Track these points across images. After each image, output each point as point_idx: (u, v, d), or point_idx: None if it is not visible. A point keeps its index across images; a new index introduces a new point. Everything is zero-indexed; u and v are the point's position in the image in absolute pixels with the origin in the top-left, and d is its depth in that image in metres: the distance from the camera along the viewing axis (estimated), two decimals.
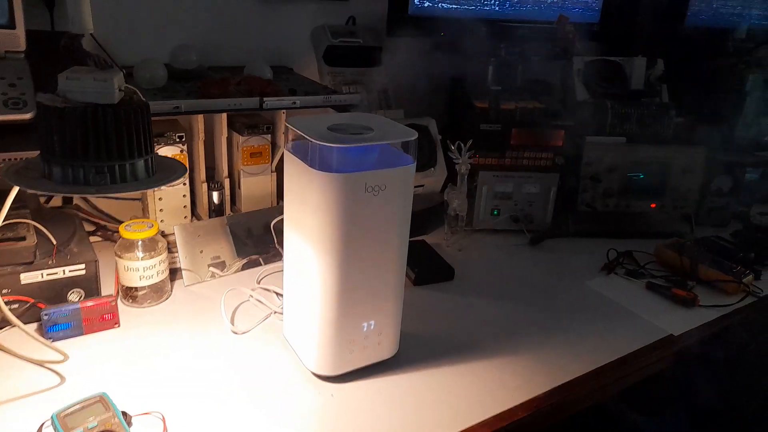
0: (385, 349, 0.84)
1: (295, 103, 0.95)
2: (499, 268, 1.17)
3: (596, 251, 1.22)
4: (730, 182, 1.37)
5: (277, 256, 1.11)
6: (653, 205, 1.31)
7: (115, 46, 1.09)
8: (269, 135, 1.11)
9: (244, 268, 1.08)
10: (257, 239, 1.10)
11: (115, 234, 1.13)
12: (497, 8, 1.41)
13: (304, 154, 0.74)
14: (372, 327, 0.80)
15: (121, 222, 1.11)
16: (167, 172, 0.64)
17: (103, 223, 1.13)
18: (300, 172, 0.74)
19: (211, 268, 1.05)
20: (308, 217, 0.74)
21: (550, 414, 0.80)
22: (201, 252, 1.04)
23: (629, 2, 1.64)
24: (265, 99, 0.92)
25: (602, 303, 1.06)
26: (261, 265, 1.10)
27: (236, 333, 0.90)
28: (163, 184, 0.60)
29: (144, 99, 0.61)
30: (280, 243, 1.12)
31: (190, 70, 1.06)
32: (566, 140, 1.24)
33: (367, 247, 0.75)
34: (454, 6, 1.34)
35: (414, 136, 0.74)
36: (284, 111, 1.05)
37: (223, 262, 1.06)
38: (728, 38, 1.60)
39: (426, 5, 1.31)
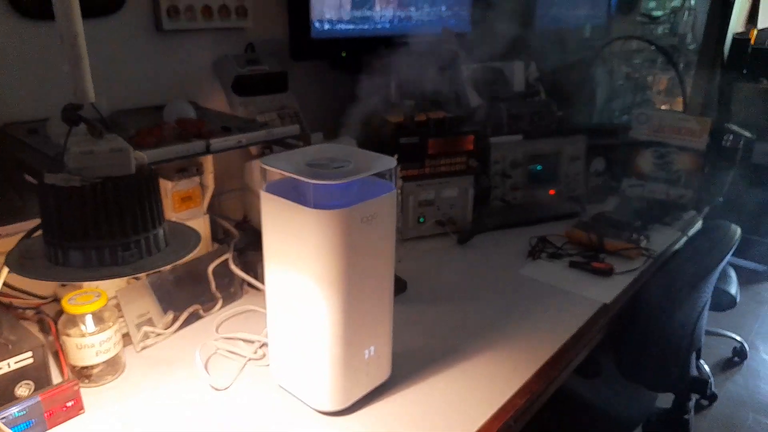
0: (383, 372, 0.85)
1: (240, 141, 0.91)
2: (440, 271, 1.23)
3: (517, 240, 1.34)
4: (603, 163, 1.59)
5: (216, 302, 1.05)
6: (552, 192, 1.47)
7: (22, 100, 0.95)
8: (198, 177, 1.05)
9: (187, 322, 1.01)
10: (195, 288, 1.03)
11: (27, 311, 0.99)
12: (388, 25, 1.47)
13: (292, 193, 0.73)
14: (372, 352, 0.81)
15: (40, 297, 0.98)
16: (178, 235, 0.59)
17: (10, 301, 0.98)
18: (288, 212, 0.73)
19: (144, 328, 0.96)
20: (304, 255, 0.73)
21: (542, 395, 0.88)
22: (148, 312, 0.96)
23: (490, 11, 1.81)
24: (210, 142, 0.88)
25: (539, 287, 1.17)
26: (202, 316, 1.04)
27: (218, 389, 0.85)
28: (190, 251, 0.55)
29: (149, 164, 0.56)
30: (222, 288, 1.07)
31: (105, 118, 0.97)
32: (476, 143, 1.34)
33: (365, 275, 0.76)
34: (351, 26, 1.38)
35: (393, 163, 0.77)
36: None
37: (150, 319, 0.98)
38: (575, 38, 1.84)
39: (326, 28, 1.33)
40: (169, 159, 0.83)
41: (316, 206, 0.70)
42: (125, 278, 1.00)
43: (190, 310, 1.02)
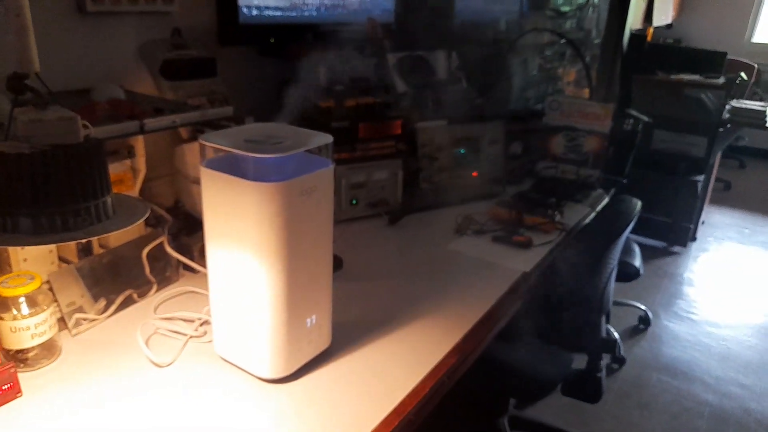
0: (324, 340, 0.90)
1: (174, 122, 0.92)
2: (373, 250, 1.29)
3: (444, 219, 1.42)
4: (520, 147, 1.70)
5: (150, 286, 1.05)
6: (474, 174, 1.56)
7: None
8: (129, 160, 1.05)
9: (123, 306, 1.01)
10: (128, 273, 1.03)
11: None
12: (314, 13, 1.50)
13: (233, 168, 0.75)
14: (314, 321, 0.85)
15: None
16: (124, 205, 0.60)
17: None
18: (228, 186, 0.75)
19: (76, 315, 0.95)
20: (246, 229, 0.76)
21: (469, 356, 0.96)
22: (82, 296, 0.95)
23: (412, 2, 1.88)
24: (144, 121, 0.88)
25: (466, 259, 1.25)
26: (135, 301, 1.04)
27: (161, 366, 0.86)
28: (139, 219, 0.57)
29: (95, 136, 0.57)
30: (155, 272, 1.07)
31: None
32: (404, 128, 1.41)
33: (305, 247, 0.80)
34: (279, 13, 1.40)
35: (330, 139, 0.81)
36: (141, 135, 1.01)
37: (81, 307, 0.97)
38: (492, 31, 1.95)
39: (254, 13, 1.34)
40: (107, 138, 0.83)
41: (258, 180, 0.73)
42: (56, 263, 0.98)
43: (125, 294, 1.01)
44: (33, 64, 0.54)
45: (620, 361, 2.23)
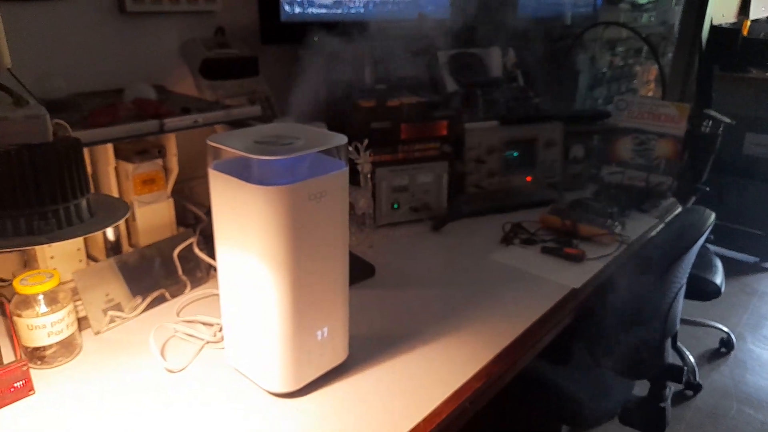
0: (338, 354, 0.84)
1: (196, 121, 0.90)
2: (411, 257, 1.22)
3: (491, 227, 1.33)
4: (583, 150, 1.57)
5: (184, 287, 1.04)
6: (528, 179, 1.45)
7: None
8: (161, 159, 1.04)
9: (151, 305, 1.00)
10: (159, 272, 1.03)
11: None
12: (362, 10, 1.45)
13: (238, 170, 0.71)
14: (325, 334, 0.80)
15: (1, 280, 0.97)
16: (106, 207, 0.58)
17: None
18: (234, 189, 0.72)
19: (110, 312, 0.95)
20: (252, 234, 0.72)
21: (499, 379, 0.87)
22: (107, 295, 0.95)
23: None
24: (164, 121, 0.87)
25: (510, 271, 1.16)
26: (168, 299, 1.03)
27: (173, 372, 0.84)
28: (115, 222, 0.54)
29: (73, 134, 0.55)
30: (187, 272, 1.06)
31: (60, 99, 0.96)
32: (450, 129, 1.33)
33: (315, 254, 0.75)
34: (323, 11, 1.36)
35: (345, 140, 0.75)
36: (175, 132, 1.00)
37: (119, 304, 0.97)
38: (557, 25, 1.82)
39: (297, 11, 1.31)
40: (120, 138, 0.82)
41: (264, 184, 0.69)
42: (84, 261, 0.99)
43: (156, 293, 1.01)
44: (3, 59, 0.52)
45: (695, 387, 2.03)
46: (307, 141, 0.74)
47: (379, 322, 0.98)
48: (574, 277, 1.13)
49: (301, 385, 0.79)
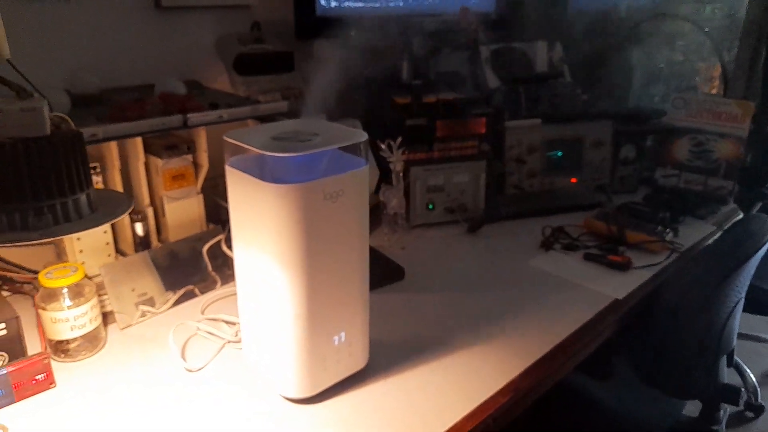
0: (357, 360, 0.81)
1: (221, 117, 0.89)
2: (444, 260, 1.17)
3: (531, 230, 1.26)
4: (634, 150, 1.48)
5: (214, 283, 1.04)
6: (573, 180, 1.37)
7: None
8: (190, 155, 1.04)
9: (179, 301, 1.00)
10: (190, 268, 1.02)
11: (25, 285, 1.01)
12: (401, 3, 1.41)
13: (252, 168, 0.69)
14: (343, 339, 0.77)
15: (32, 271, 0.99)
16: (109, 204, 0.57)
17: (9, 275, 1.00)
18: (249, 187, 0.69)
19: (141, 307, 0.96)
20: (265, 233, 0.69)
21: (528, 394, 0.82)
22: (133, 290, 0.95)
23: None
24: (188, 116, 0.85)
25: (548, 279, 1.09)
26: (197, 295, 1.03)
27: (191, 371, 0.83)
28: (114, 218, 0.53)
29: (75, 128, 0.53)
30: (215, 269, 1.05)
31: (92, 94, 0.96)
32: (488, 127, 1.27)
33: (331, 256, 0.71)
34: (360, 4, 1.33)
35: (364, 137, 0.72)
36: (205, 127, 0.99)
37: (152, 298, 0.97)
38: (610, 18, 1.72)
39: (333, 5, 1.28)
40: (144, 132, 0.81)
41: (280, 182, 0.66)
42: (113, 255, 1.00)
43: (184, 289, 1.01)
44: (1, 50, 0.51)
45: (757, 409, 1.88)
46: (326, 138, 0.71)
47: (404, 328, 0.94)
48: (617, 286, 1.05)
49: (317, 391, 0.76)
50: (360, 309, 0.78)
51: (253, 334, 0.80)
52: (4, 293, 0.99)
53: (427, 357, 0.86)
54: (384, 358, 0.86)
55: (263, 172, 0.69)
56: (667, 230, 1.20)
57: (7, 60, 0.52)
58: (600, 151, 1.38)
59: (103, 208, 0.56)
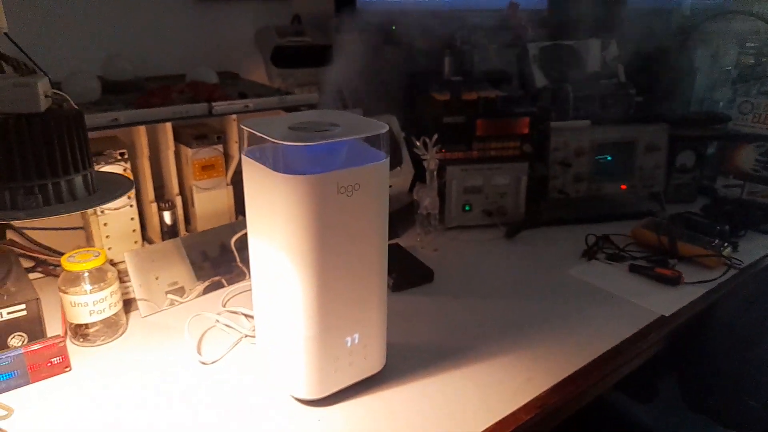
0: (371, 364, 0.77)
1: (247, 106, 0.87)
2: (478, 265, 1.12)
3: (573, 238, 1.18)
4: (693, 157, 1.37)
5: (241, 275, 1.02)
6: (623, 187, 1.29)
7: (39, 59, 0.98)
8: (221, 145, 1.03)
9: (205, 292, 0.99)
10: (217, 259, 1.02)
11: (58, 268, 1.02)
12: None
13: (268, 158, 0.66)
14: (356, 340, 0.73)
15: (64, 254, 1.01)
16: (110, 188, 0.55)
17: (43, 257, 1.02)
18: (262, 177, 0.67)
19: (170, 296, 0.95)
20: (277, 226, 0.66)
21: (555, 412, 0.75)
22: (157, 278, 0.95)
23: None
24: (213, 104, 0.84)
25: (588, 290, 1.02)
26: (224, 286, 1.02)
27: (205, 363, 0.81)
28: (107, 201, 0.51)
29: (77, 107, 0.52)
30: (243, 261, 1.03)
31: (125, 81, 0.97)
32: (532, 127, 1.20)
33: (345, 253, 0.68)
34: None
35: (385, 128, 0.68)
36: (235, 117, 0.97)
37: (182, 287, 0.97)
38: (673, 16, 1.61)
39: None
40: (166, 118, 0.80)
41: (294, 173, 0.63)
42: (140, 242, 1.00)
43: (211, 280, 1.00)
44: (0, 23, 0.50)
45: None
46: (345, 129, 0.68)
47: (428, 333, 0.89)
48: (665, 302, 0.97)
49: (326, 393, 0.73)
50: (376, 310, 0.74)
51: (265, 330, 0.77)
52: (37, 275, 1.01)
53: (449, 365, 0.81)
54: (403, 362, 0.81)
55: (278, 162, 0.66)
56: (726, 244, 1.10)
57: (5, 33, 0.51)
58: (654, 156, 1.28)
59: (102, 192, 0.54)
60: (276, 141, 0.62)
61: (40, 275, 1.01)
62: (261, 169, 0.66)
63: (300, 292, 0.67)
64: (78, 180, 0.51)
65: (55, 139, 0.48)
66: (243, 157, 0.70)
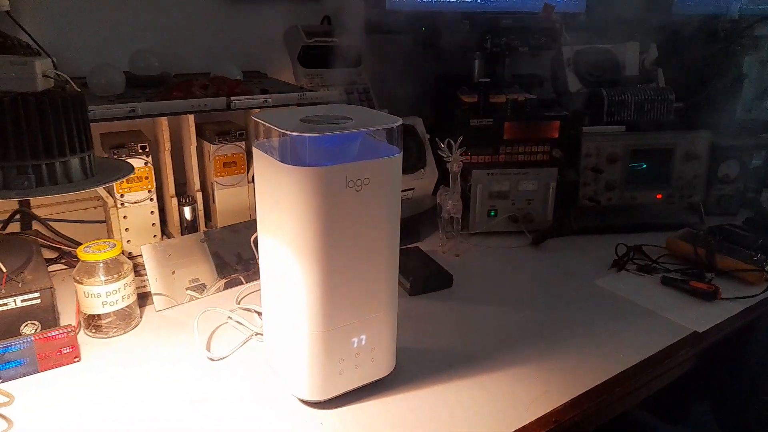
0: (379, 367, 0.74)
1: (266, 101, 0.86)
2: (501, 272, 1.08)
3: (603, 248, 1.13)
4: (737, 168, 1.30)
5: (259, 273, 1.01)
6: (659, 196, 1.22)
7: (67, 55, 1.00)
8: (243, 142, 1.03)
9: (226, 287, 0.99)
10: (237, 256, 1.01)
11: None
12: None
13: (275, 149, 0.65)
14: (363, 342, 0.71)
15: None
16: (110, 173, 0.55)
17: (67, 249, 1.04)
18: (270, 169, 0.66)
19: (189, 292, 0.95)
20: (283, 220, 0.65)
21: (572, 429, 0.71)
22: (173, 273, 0.94)
23: None
24: (232, 98, 0.84)
25: (616, 302, 0.97)
26: (243, 284, 1.01)
27: (213, 360, 0.80)
28: (102, 184, 0.51)
29: (78, 89, 0.52)
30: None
31: (152, 76, 0.98)
32: (562, 132, 1.16)
33: (353, 250, 0.66)
34: None
35: (398, 122, 0.66)
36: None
37: (203, 284, 0.97)
38: (720, 20, 1.54)
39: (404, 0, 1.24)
40: (183, 111, 0.80)
41: (308, 164, 0.61)
42: (159, 236, 1.00)
43: (231, 277, 0.99)
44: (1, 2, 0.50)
45: None
46: (358, 122, 0.66)
47: (443, 339, 0.86)
48: (699, 317, 0.91)
49: (330, 395, 0.70)
50: (386, 312, 0.72)
51: (272, 327, 0.75)
52: (61, 267, 1.03)
53: (463, 372, 0.78)
54: (414, 368, 0.78)
55: (286, 154, 0.65)
56: None
57: (7, 12, 0.51)
58: (693, 165, 1.22)
59: (100, 176, 0.54)
60: (284, 131, 0.61)
61: (63, 267, 1.03)
62: (270, 161, 0.65)
63: (304, 288, 0.65)
64: (74, 162, 0.51)
65: (51, 119, 0.48)
66: (254, 149, 0.69)
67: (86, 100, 0.52)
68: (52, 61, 0.50)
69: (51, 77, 0.49)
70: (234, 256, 1.01)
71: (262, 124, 0.65)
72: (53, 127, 0.48)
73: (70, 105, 0.49)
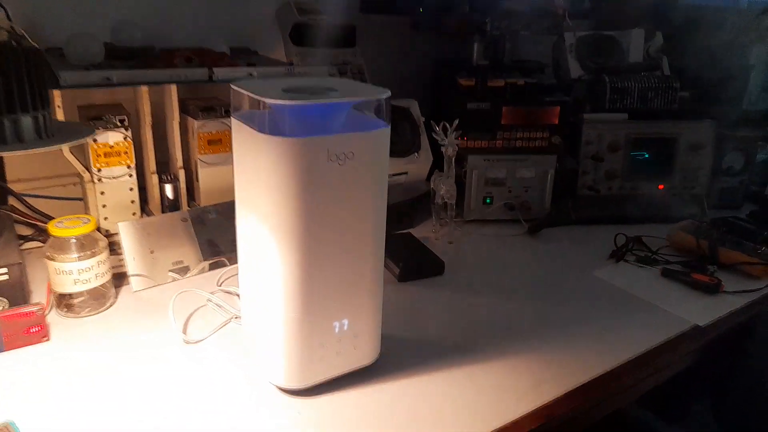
0: (363, 355, 0.70)
1: (250, 74, 0.82)
2: (495, 260, 1.04)
3: (602, 238, 1.09)
4: (742, 160, 1.26)
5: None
6: (661, 187, 1.19)
7: (46, 24, 0.95)
8: (229, 119, 0.98)
9: (209, 269, 0.95)
10: (222, 237, 0.97)
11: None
12: None
13: (254, 120, 0.61)
14: (345, 327, 0.67)
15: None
16: (67, 135, 0.51)
17: (42, 225, 0.99)
18: (248, 140, 0.61)
19: (171, 273, 0.91)
20: (260, 194, 0.61)
21: (564, 424, 0.67)
22: (152, 253, 0.90)
23: None
24: (214, 69, 0.79)
25: (613, 294, 0.93)
26: (227, 266, 0.97)
27: (189, 343, 0.76)
28: (55, 146, 0.46)
29: (35, 45, 0.48)
30: None
31: (134, 48, 0.93)
32: (562, 118, 1.12)
33: (335, 228, 0.61)
34: None
35: (387, 93, 0.61)
36: None
37: (187, 266, 0.93)
38: (729, 9, 1.49)
39: None
40: (161, 81, 0.76)
41: (287, 135, 0.57)
42: (139, 213, 0.96)
43: (215, 259, 0.95)
44: None
45: None
46: (344, 94, 0.61)
47: (432, 327, 0.82)
48: (700, 311, 0.87)
49: (309, 383, 0.66)
50: (370, 296, 0.68)
51: (250, 310, 0.71)
52: (37, 244, 0.99)
53: (451, 363, 0.74)
54: (400, 356, 0.74)
55: (267, 125, 0.61)
56: None
57: None
58: (697, 156, 1.18)
59: (57, 137, 0.50)
60: (262, 99, 0.56)
61: (40, 245, 0.99)
62: (248, 131, 0.61)
63: (281, 267, 0.61)
64: (26, 121, 0.47)
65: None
66: (232, 119, 0.65)
67: (45, 56, 0.48)
68: (6, 14, 0.46)
69: (5, 29, 0.45)
70: (219, 237, 0.97)
71: (242, 93, 0.61)
72: (1, 83, 0.44)
73: (23, 58, 0.45)
